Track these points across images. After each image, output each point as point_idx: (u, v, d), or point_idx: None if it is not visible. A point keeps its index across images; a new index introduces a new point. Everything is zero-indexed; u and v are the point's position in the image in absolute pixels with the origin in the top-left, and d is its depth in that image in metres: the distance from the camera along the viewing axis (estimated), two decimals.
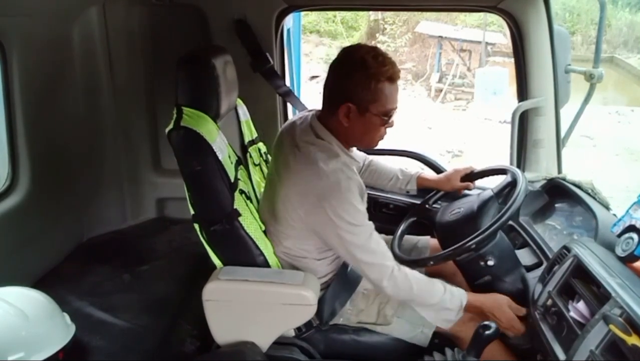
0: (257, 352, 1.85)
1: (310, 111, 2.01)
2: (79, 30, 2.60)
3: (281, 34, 2.82)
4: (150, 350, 2.11)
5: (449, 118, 11.63)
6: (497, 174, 2.23)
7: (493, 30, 14.27)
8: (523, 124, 2.52)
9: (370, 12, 14.94)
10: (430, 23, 14.34)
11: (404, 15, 14.73)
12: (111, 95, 2.84)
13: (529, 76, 2.42)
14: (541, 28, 2.34)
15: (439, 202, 2.33)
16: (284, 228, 1.93)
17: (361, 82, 1.77)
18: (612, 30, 15.45)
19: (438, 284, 1.86)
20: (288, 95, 2.73)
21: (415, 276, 1.84)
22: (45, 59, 2.41)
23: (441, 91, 13.04)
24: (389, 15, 14.87)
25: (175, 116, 1.83)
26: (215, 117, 1.93)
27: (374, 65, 1.76)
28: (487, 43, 13.86)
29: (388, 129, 1.89)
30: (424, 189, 2.35)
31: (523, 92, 2.48)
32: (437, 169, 2.67)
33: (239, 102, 2.30)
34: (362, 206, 1.83)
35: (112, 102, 2.85)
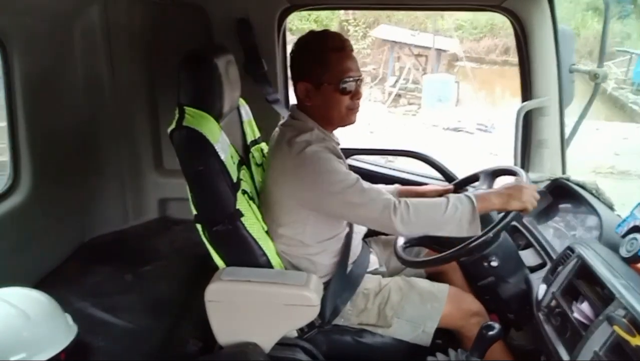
0: (259, 353, 1.85)
1: None
2: (80, 29, 2.60)
3: (284, 34, 2.82)
4: (152, 351, 2.10)
5: (398, 123, 11.72)
6: (501, 174, 2.22)
7: (450, 35, 14.60)
8: (527, 124, 2.51)
9: (341, 13, 15.37)
10: (388, 27, 14.66)
11: (370, 17, 15.08)
12: (113, 94, 2.83)
13: (533, 76, 2.41)
14: (545, 27, 2.32)
15: None
16: (277, 216, 1.95)
17: (308, 58, 1.88)
18: (580, 40, 15.71)
19: (441, 200, 1.80)
20: (276, 103, 2.73)
21: (417, 203, 1.78)
22: (46, 58, 2.41)
23: (394, 94, 13.24)
24: (353, 17, 15.26)
25: (177, 115, 1.83)
26: (218, 117, 1.93)
27: (317, 40, 1.90)
28: (437, 49, 14.26)
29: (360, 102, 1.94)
30: None
31: (527, 92, 2.47)
32: (442, 171, 2.67)
33: (242, 102, 2.30)
34: (340, 163, 1.86)
35: (114, 101, 2.85)
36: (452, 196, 1.81)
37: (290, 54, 1.95)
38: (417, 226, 1.80)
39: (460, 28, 17.18)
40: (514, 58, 17.02)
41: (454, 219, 1.76)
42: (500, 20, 16.87)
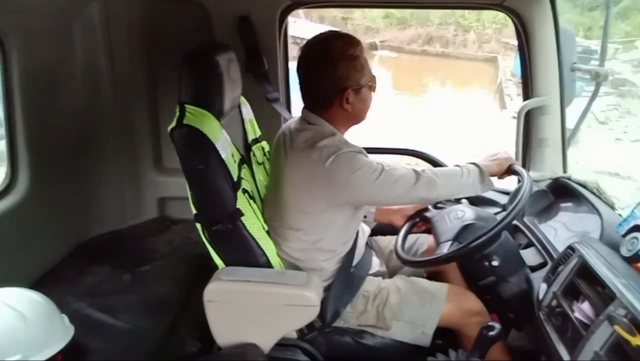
0: (259, 354, 1.84)
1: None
2: (80, 26, 2.58)
3: (285, 31, 2.80)
4: (150, 352, 2.10)
5: None
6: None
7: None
8: (528, 123, 2.50)
9: None
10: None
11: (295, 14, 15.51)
12: (112, 92, 2.82)
13: (534, 74, 2.40)
14: (547, 26, 2.32)
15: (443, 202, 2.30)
16: (295, 222, 1.93)
17: (347, 66, 1.85)
18: (509, 29, 16.08)
19: (455, 168, 1.99)
20: (276, 102, 2.71)
21: (438, 171, 1.94)
22: (45, 55, 2.39)
23: None
24: None
25: (177, 113, 1.82)
26: (219, 115, 1.91)
27: (345, 46, 1.86)
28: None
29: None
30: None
31: (528, 90, 2.46)
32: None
33: (243, 100, 2.28)
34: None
35: (113, 99, 2.84)
36: (461, 164, 1.98)
37: (324, 65, 1.85)
38: (443, 190, 1.92)
39: (388, 16, 17.48)
40: (433, 48, 17.30)
41: (468, 182, 1.93)
42: (427, 11, 17.15)
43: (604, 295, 1.53)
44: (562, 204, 2.30)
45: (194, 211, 1.89)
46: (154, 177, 3.08)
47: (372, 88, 1.93)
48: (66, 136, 2.59)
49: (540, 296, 1.79)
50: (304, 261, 1.97)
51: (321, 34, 1.93)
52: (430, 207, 2.27)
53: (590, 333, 1.46)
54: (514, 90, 13.60)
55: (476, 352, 1.68)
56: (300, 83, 1.95)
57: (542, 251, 2.09)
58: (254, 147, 2.26)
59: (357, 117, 1.95)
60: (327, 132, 1.88)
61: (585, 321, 1.54)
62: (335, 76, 1.85)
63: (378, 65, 15.37)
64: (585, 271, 1.64)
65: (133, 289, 2.45)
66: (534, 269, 2.02)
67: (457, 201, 2.24)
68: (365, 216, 2.32)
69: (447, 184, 1.91)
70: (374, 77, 1.93)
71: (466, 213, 2.08)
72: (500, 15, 2.39)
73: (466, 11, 16.93)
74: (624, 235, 1.70)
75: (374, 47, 16.42)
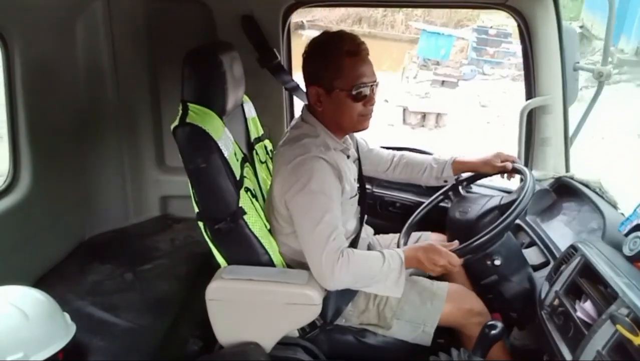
0: (260, 353, 1.84)
1: None
2: (83, 24, 2.59)
3: (288, 30, 2.80)
4: (152, 351, 2.09)
5: None
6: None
7: None
8: (531, 122, 2.50)
9: None
10: None
11: None
12: (115, 90, 2.82)
13: (537, 74, 2.39)
14: (550, 25, 2.31)
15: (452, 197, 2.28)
16: (280, 224, 1.94)
17: (320, 61, 1.82)
18: (437, 11, 16.60)
19: (376, 256, 1.79)
20: (296, 90, 2.68)
21: (359, 258, 1.77)
22: (48, 53, 2.39)
23: None
24: None
25: (180, 112, 1.82)
26: (222, 113, 1.92)
27: (331, 43, 1.81)
28: None
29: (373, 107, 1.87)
30: (463, 172, 2.25)
31: (531, 89, 2.45)
32: None
33: (245, 98, 2.29)
34: (334, 184, 1.80)
35: (116, 97, 2.84)
36: (387, 254, 1.80)
37: (303, 55, 1.87)
38: (347, 283, 1.80)
39: None
40: (361, 29, 16.92)
41: (378, 280, 1.79)
42: None
43: (606, 294, 1.53)
44: (565, 204, 2.30)
45: (196, 210, 1.89)
46: (157, 175, 3.08)
47: (352, 97, 1.79)
48: (68, 134, 2.59)
49: (543, 296, 1.79)
50: (303, 262, 1.96)
51: (325, 32, 1.91)
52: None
53: (592, 332, 1.46)
54: (414, 72, 13.76)
55: (478, 351, 1.68)
56: None
57: (545, 250, 2.09)
58: (256, 146, 2.26)
59: (334, 122, 1.87)
60: (313, 132, 1.87)
61: (588, 321, 1.54)
62: (309, 69, 1.85)
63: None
64: (588, 271, 1.65)
65: (135, 287, 2.44)
66: (536, 268, 2.02)
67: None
68: (445, 181, 2.24)
69: (356, 277, 1.78)
70: (356, 86, 1.78)
71: (468, 213, 2.08)
72: None
73: None
74: (627, 234, 1.71)
75: (300, 26, 15.90)
